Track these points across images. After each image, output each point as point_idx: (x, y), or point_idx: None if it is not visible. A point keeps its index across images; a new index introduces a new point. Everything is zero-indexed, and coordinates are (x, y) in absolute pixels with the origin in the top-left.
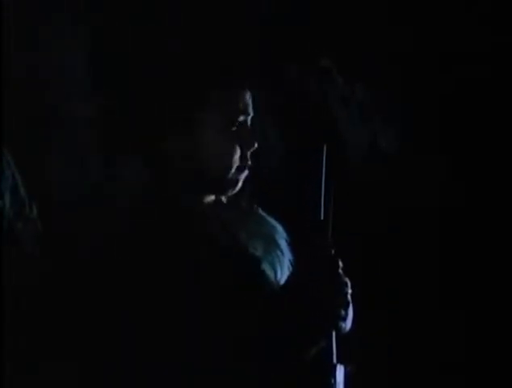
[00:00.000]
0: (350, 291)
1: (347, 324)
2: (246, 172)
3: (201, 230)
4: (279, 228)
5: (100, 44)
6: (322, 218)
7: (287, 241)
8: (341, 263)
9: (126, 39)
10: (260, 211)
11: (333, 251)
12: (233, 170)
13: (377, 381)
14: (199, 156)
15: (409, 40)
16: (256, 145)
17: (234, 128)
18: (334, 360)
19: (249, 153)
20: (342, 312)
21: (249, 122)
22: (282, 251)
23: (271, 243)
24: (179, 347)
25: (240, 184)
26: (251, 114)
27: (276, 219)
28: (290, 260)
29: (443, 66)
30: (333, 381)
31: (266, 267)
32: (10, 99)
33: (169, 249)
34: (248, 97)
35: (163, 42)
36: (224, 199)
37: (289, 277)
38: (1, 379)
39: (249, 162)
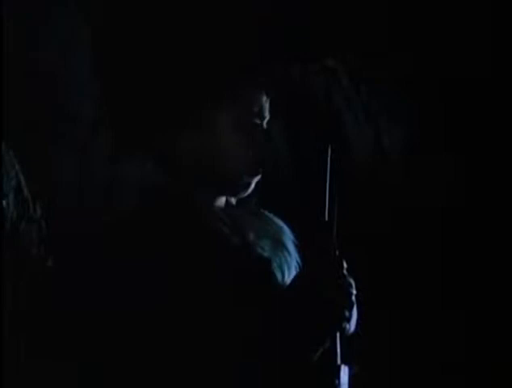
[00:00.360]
0: (354, 292)
1: (352, 325)
2: (259, 176)
3: (210, 230)
4: (286, 229)
5: (110, 43)
6: (327, 219)
7: (294, 242)
8: (345, 264)
9: (137, 38)
10: (267, 212)
11: (337, 252)
12: (246, 174)
13: (381, 383)
14: (211, 157)
15: (412, 40)
16: (270, 148)
17: (248, 131)
18: (339, 361)
19: (262, 157)
20: (347, 313)
21: (264, 125)
22: (289, 253)
23: (279, 244)
24: (185, 345)
25: (252, 187)
26: (267, 117)
27: (283, 220)
28: (297, 262)
29: (447, 66)
30: (337, 382)
31: (274, 268)
32: (13, 100)
33: (179, 247)
34: (264, 100)
35: (177, 41)
36: (233, 200)
37: (294, 278)
38: (1, 379)
39: (263, 167)
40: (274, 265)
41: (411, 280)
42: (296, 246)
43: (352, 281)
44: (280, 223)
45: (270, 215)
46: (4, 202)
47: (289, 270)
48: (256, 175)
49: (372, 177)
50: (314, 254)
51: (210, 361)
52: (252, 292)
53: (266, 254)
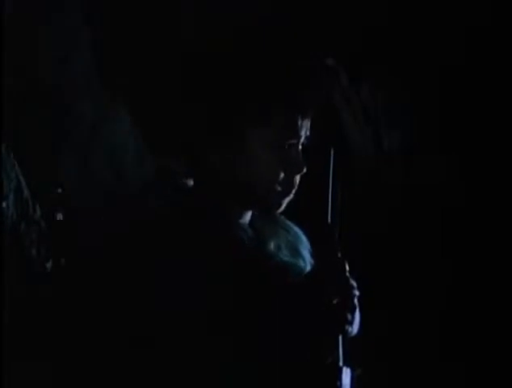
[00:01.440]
0: (357, 294)
1: (354, 328)
2: (291, 196)
3: (232, 237)
4: (303, 237)
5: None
6: (330, 221)
7: (309, 251)
8: (347, 266)
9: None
10: (284, 218)
11: (339, 254)
12: (277, 194)
13: (383, 385)
14: (245, 174)
15: (412, 41)
16: (304, 169)
17: (283, 151)
18: (341, 363)
19: (297, 177)
20: (349, 315)
21: (301, 143)
22: (305, 261)
23: (296, 254)
24: (192, 345)
25: (282, 208)
26: (304, 136)
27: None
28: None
29: (447, 66)
30: (339, 383)
31: (291, 277)
32: (14, 100)
33: (201, 252)
34: (300, 120)
35: (219, 60)
36: None
37: (297, 281)
38: (1, 379)
39: (296, 187)
40: (292, 274)
41: (411, 281)
42: (311, 254)
43: (354, 283)
44: (297, 231)
45: (288, 222)
46: (4, 203)
47: None
48: (288, 195)
49: (372, 177)
50: (317, 255)
51: (212, 360)
52: (270, 299)
53: (284, 262)
